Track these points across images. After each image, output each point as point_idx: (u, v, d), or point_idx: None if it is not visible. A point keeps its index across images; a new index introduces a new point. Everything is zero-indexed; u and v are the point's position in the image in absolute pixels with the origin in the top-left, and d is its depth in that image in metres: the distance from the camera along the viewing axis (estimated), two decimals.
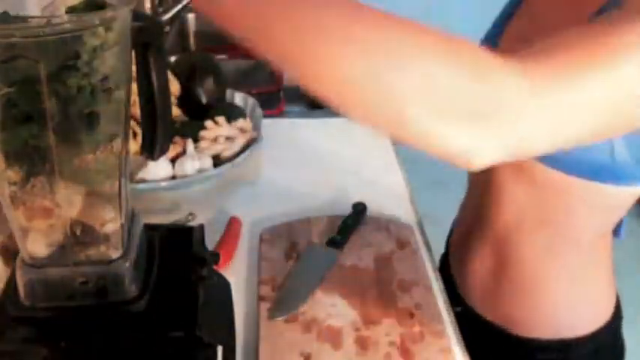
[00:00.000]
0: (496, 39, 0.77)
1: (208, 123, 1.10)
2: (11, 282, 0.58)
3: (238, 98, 1.23)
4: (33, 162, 0.52)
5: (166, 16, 1.60)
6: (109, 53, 0.50)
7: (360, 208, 0.98)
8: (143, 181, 0.99)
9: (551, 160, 0.67)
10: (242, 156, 1.05)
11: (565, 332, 0.80)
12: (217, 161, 1.05)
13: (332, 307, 0.81)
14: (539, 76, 0.45)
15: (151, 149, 0.62)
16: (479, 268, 0.85)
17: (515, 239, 0.78)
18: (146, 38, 0.56)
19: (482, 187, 0.82)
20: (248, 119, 1.15)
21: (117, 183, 0.56)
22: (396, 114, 0.44)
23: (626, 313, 0.85)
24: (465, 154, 0.46)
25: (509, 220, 0.77)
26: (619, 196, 0.69)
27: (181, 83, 1.20)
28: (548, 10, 0.71)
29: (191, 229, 0.70)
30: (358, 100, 0.45)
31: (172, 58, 1.38)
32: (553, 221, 0.73)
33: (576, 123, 0.47)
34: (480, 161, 0.46)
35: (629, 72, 0.45)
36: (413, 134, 0.46)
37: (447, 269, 0.96)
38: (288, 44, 0.46)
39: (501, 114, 0.45)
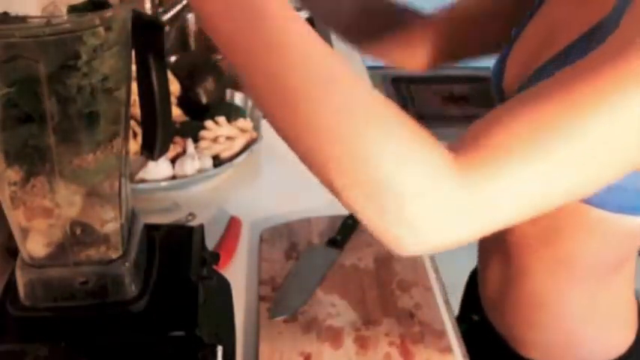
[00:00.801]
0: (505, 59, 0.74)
1: (208, 123, 1.10)
2: (11, 282, 0.58)
3: (238, 98, 1.23)
4: (33, 162, 0.52)
5: (166, 16, 1.60)
6: (109, 53, 0.50)
7: None
8: (143, 181, 0.99)
9: None
10: (242, 156, 1.05)
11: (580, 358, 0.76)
12: (217, 161, 1.05)
13: (332, 307, 0.81)
14: (470, 170, 0.44)
15: (151, 149, 0.62)
16: (490, 276, 0.82)
17: (526, 252, 0.74)
18: (146, 38, 0.56)
19: None
20: (248, 119, 1.15)
21: (117, 183, 0.56)
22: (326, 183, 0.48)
23: None
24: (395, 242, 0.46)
25: (516, 234, 0.73)
26: (625, 225, 0.65)
27: (181, 83, 1.20)
28: (558, 10, 0.68)
29: (191, 229, 0.70)
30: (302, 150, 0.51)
31: (172, 58, 1.38)
32: (558, 243, 0.70)
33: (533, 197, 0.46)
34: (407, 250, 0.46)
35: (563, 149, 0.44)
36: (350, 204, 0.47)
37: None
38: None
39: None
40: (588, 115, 0.44)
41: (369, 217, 0.45)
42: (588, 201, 0.62)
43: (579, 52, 0.51)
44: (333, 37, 1.75)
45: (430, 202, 0.44)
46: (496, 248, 0.79)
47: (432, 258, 0.93)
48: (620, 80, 0.44)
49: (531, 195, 0.46)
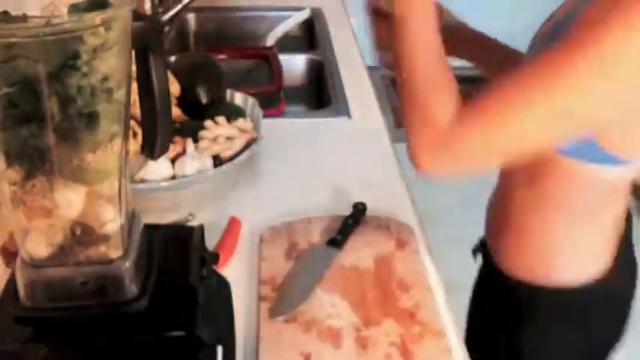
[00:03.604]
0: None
1: (208, 123, 1.10)
2: (11, 282, 0.58)
3: (238, 98, 1.23)
4: (33, 162, 0.52)
5: (166, 16, 1.60)
6: (109, 53, 0.50)
7: (360, 208, 0.98)
8: (143, 181, 0.99)
9: None
10: (242, 156, 1.05)
11: (557, 281, 0.89)
12: (217, 161, 1.05)
13: (332, 307, 0.81)
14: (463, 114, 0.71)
15: (151, 149, 0.62)
16: (492, 211, 0.97)
17: (515, 193, 0.89)
18: (146, 38, 0.56)
19: None
20: (248, 119, 1.15)
21: (117, 183, 0.56)
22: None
23: None
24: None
25: (507, 178, 0.91)
26: (589, 173, 0.79)
27: (181, 83, 1.20)
28: None
29: (191, 229, 0.70)
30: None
31: (172, 58, 1.38)
32: (537, 186, 0.85)
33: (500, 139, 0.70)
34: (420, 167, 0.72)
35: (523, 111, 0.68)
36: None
37: None
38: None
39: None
40: (546, 90, 0.66)
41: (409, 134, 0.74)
42: (560, 151, 0.77)
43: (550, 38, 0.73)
44: (334, 37, 1.75)
45: (426, 139, 0.72)
46: (497, 190, 0.96)
47: (432, 258, 0.93)
48: (565, 70, 0.65)
49: (498, 144, 0.71)
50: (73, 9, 0.53)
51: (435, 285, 0.87)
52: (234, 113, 1.14)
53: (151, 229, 0.65)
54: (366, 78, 1.53)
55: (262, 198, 1.05)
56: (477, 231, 1.04)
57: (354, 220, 0.95)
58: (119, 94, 0.53)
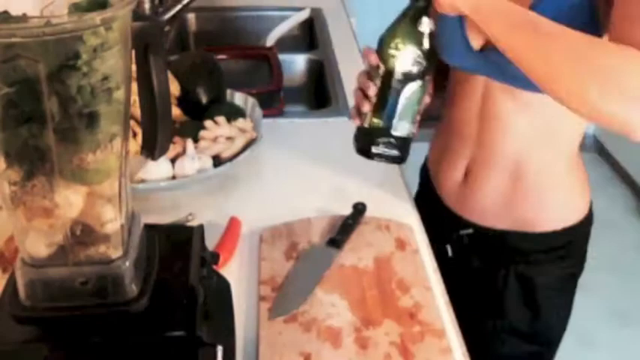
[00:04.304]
0: None
1: (208, 123, 1.10)
2: (11, 282, 0.58)
3: (238, 98, 1.23)
4: (33, 162, 0.52)
5: (166, 16, 1.60)
6: (109, 53, 0.50)
7: (360, 208, 0.98)
8: (143, 181, 0.99)
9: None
10: (242, 156, 1.05)
11: (562, 222, 0.98)
12: (217, 161, 1.05)
13: (332, 307, 0.81)
14: None
15: (151, 149, 0.62)
16: (492, 190, 0.98)
17: (525, 159, 0.94)
18: (146, 38, 0.56)
19: (481, 122, 0.95)
20: (248, 119, 1.15)
21: (117, 183, 0.56)
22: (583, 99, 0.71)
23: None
24: (626, 128, 0.70)
25: (518, 143, 0.93)
26: None
27: (181, 83, 1.20)
28: None
29: (191, 229, 0.70)
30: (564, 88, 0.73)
31: (172, 58, 1.38)
32: (549, 136, 0.92)
33: None
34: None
35: None
36: (591, 112, 0.71)
37: (440, 204, 1.06)
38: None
39: None
40: None
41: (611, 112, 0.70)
42: None
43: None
44: (334, 37, 1.74)
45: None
46: (496, 167, 0.96)
47: (432, 258, 0.93)
48: None
49: None
50: (73, 9, 0.53)
51: (435, 285, 0.87)
52: (234, 113, 1.15)
53: (150, 229, 0.65)
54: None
55: (262, 198, 1.05)
56: None
57: (354, 220, 0.95)
58: (119, 94, 0.53)
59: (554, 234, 0.98)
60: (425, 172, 1.14)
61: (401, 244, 0.92)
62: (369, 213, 0.98)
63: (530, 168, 0.94)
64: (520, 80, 0.82)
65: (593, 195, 1.00)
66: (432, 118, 1.04)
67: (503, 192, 0.97)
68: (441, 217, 1.05)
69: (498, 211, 0.98)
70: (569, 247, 1.00)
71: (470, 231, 1.02)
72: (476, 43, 0.89)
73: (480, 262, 1.03)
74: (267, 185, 1.10)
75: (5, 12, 0.51)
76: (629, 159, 2.97)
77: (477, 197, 0.99)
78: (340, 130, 1.28)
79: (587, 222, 1.00)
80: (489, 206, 0.99)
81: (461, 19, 0.88)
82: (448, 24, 0.89)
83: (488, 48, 0.87)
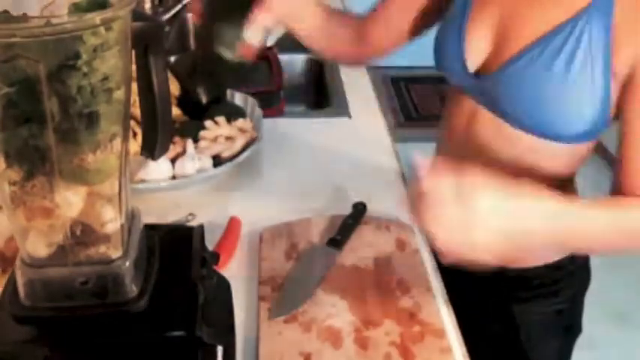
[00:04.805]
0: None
1: (208, 123, 1.10)
2: (11, 282, 0.58)
3: (238, 98, 1.23)
4: (33, 162, 0.52)
5: (166, 16, 1.60)
6: (109, 53, 0.50)
7: (360, 208, 0.98)
8: (143, 181, 0.99)
9: (535, 129, 0.81)
10: (242, 156, 1.05)
11: (547, 259, 0.94)
12: (217, 161, 1.05)
13: (332, 307, 0.81)
14: None
15: (151, 149, 0.62)
16: None
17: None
18: (146, 38, 0.56)
19: (466, 145, 0.91)
20: (248, 119, 1.15)
21: (117, 183, 0.56)
22: None
23: None
24: None
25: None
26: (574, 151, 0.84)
27: (181, 83, 1.20)
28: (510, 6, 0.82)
29: (191, 229, 0.70)
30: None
31: (172, 58, 1.38)
32: (536, 177, 0.83)
33: None
34: None
35: None
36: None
37: None
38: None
39: None
40: None
41: None
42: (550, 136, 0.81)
43: (555, 48, 0.75)
44: None
45: None
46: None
47: (432, 258, 0.93)
48: None
49: None
50: (73, 9, 0.53)
51: (435, 285, 0.87)
52: (234, 113, 1.15)
53: (150, 229, 0.65)
54: (366, 78, 1.53)
55: (262, 198, 1.05)
56: None
57: (354, 220, 0.95)
58: (119, 94, 0.53)
59: (536, 270, 0.94)
60: None
61: (401, 244, 0.92)
62: (369, 213, 0.98)
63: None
64: (510, 117, 0.81)
65: (593, 195, 0.98)
66: (436, 117, 1.02)
67: None
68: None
69: None
70: (553, 285, 0.96)
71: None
72: (472, 64, 0.85)
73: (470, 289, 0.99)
74: (267, 185, 1.10)
75: (5, 12, 0.50)
76: None
77: None
78: (340, 130, 1.28)
79: (577, 258, 0.96)
80: None
81: (460, 35, 0.85)
82: (449, 37, 0.87)
83: (484, 74, 0.84)
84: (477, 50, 0.84)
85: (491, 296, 0.99)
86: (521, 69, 0.78)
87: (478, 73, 0.85)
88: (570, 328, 1.02)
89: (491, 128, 0.86)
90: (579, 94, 0.75)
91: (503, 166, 0.85)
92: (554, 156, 0.84)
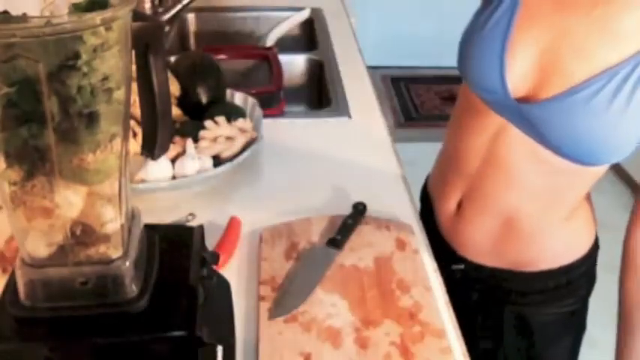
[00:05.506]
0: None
1: (208, 123, 1.10)
2: (11, 282, 0.58)
3: (238, 98, 1.23)
4: (33, 162, 0.52)
5: (166, 16, 1.60)
6: (109, 53, 0.50)
7: (360, 208, 0.98)
8: (143, 181, 0.99)
9: (577, 156, 0.79)
10: (242, 156, 1.05)
11: (562, 261, 0.94)
12: (217, 161, 1.05)
13: (332, 307, 0.81)
14: None
15: (151, 149, 0.62)
16: (484, 231, 0.94)
17: (523, 209, 0.89)
18: (146, 38, 0.56)
19: (485, 165, 0.89)
20: (248, 119, 1.15)
21: (117, 183, 0.56)
22: None
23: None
24: None
25: (521, 195, 0.88)
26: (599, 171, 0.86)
27: (181, 83, 1.20)
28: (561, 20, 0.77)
29: (191, 229, 0.70)
30: None
31: (172, 58, 1.38)
32: (556, 192, 0.88)
33: None
34: None
35: None
36: None
37: (437, 234, 1.02)
38: None
39: None
40: None
41: None
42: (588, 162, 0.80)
43: (620, 80, 0.72)
44: (334, 37, 1.74)
45: None
46: (493, 209, 0.91)
47: (432, 258, 0.93)
48: None
49: None
50: (73, 9, 0.53)
51: (435, 285, 0.87)
52: (234, 113, 1.15)
53: (150, 229, 0.65)
54: (366, 78, 1.53)
55: (262, 198, 1.06)
56: None
57: (354, 220, 0.95)
58: (119, 94, 0.53)
59: (551, 273, 0.94)
60: (425, 192, 1.09)
61: (401, 244, 0.92)
62: (369, 213, 0.98)
63: (528, 218, 0.90)
64: (552, 144, 0.77)
65: (592, 195, 0.97)
66: (441, 117, 1.03)
67: (494, 235, 0.93)
68: (437, 243, 0.99)
69: (490, 250, 0.95)
70: (567, 286, 0.96)
71: (461, 266, 0.99)
72: (516, 91, 0.79)
73: (477, 296, 1.01)
74: (267, 185, 1.10)
75: (5, 12, 0.51)
76: (629, 159, 2.98)
77: (468, 233, 0.95)
78: (340, 130, 1.28)
79: (589, 258, 0.96)
80: (479, 244, 0.95)
81: (502, 51, 0.78)
82: (486, 51, 0.80)
83: (528, 99, 0.78)
84: (520, 72, 0.78)
85: (500, 299, 0.99)
86: (582, 101, 0.74)
87: (521, 98, 0.79)
88: (580, 326, 1.04)
89: (521, 149, 0.83)
90: (635, 125, 0.74)
91: (529, 183, 0.86)
92: (583, 174, 0.84)
